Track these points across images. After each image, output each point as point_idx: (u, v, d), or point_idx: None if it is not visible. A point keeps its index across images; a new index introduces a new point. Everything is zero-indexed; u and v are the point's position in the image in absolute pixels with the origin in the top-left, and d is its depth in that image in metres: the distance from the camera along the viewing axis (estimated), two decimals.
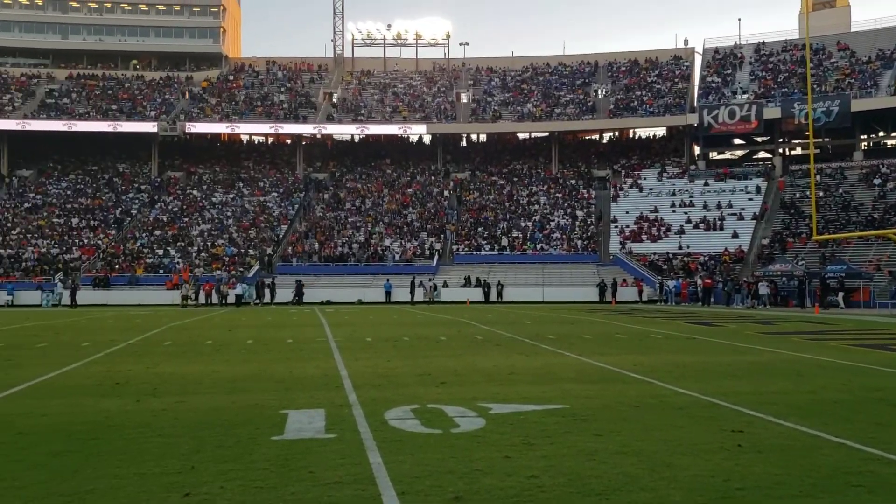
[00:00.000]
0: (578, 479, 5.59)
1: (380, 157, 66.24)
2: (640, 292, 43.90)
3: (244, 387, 10.32)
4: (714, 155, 62.84)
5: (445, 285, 45.82)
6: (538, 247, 51.52)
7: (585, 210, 56.19)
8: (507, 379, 10.91)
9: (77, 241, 51.69)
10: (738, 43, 66.45)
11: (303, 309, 37.57)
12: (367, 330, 21.42)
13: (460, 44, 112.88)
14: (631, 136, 66.79)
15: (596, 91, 66.31)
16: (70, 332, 21.42)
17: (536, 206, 57.08)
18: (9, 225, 53.22)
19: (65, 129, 60.28)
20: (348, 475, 5.68)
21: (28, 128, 59.99)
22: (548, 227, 53.84)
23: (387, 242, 52.27)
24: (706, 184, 56.19)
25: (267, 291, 43.12)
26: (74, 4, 70.00)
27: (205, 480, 5.60)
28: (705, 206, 53.14)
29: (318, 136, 65.13)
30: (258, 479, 5.63)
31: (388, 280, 45.32)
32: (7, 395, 9.77)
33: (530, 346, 16.07)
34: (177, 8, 71.34)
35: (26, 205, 56.53)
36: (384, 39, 74.07)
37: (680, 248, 48.93)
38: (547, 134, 65.16)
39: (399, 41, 74.25)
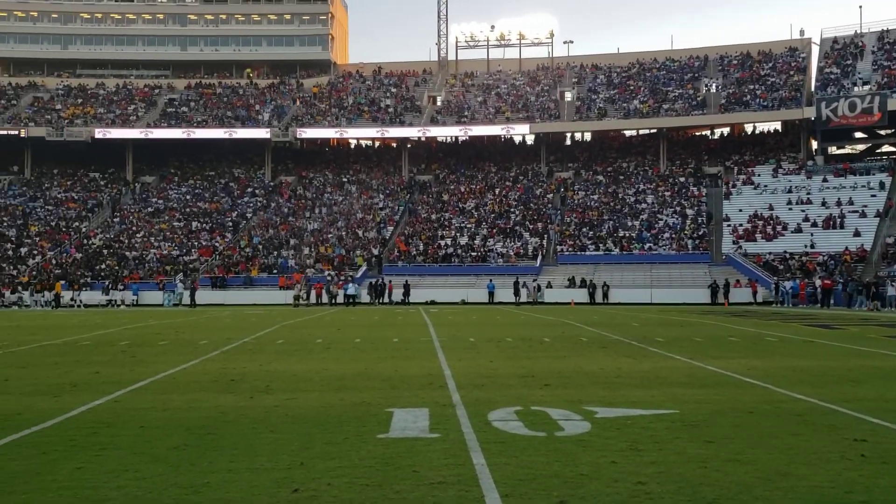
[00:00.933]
0: (689, 486, 5.42)
1: (483, 158, 66.40)
2: (755, 293, 42.27)
3: (352, 385, 10.54)
4: (833, 149, 59.81)
5: (549, 286, 45.46)
6: (646, 247, 50.40)
7: (696, 208, 54.57)
8: (613, 382, 10.70)
9: (196, 243, 54.15)
10: (858, 31, 63.01)
11: (408, 309, 38.08)
12: (470, 330, 21.49)
13: (564, 42, 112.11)
14: (744, 131, 64.43)
15: (706, 85, 64.27)
16: (189, 330, 22.44)
17: (644, 205, 55.87)
18: (133, 228, 56.29)
19: (184, 136, 63.28)
20: (452, 475, 5.70)
21: (151, 136, 63.31)
22: (656, 226, 52.60)
23: (490, 243, 52.34)
24: (825, 180, 53.55)
25: (374, 292, 43.91)
26: (192, 17, 73.40)
27: (313, 476, 5.74)
28: (824, 204, 50.65)
29: (423, 138, 65.92)
30: (364, 476, 5.72)
31: (490, 280, 45.38)
32: (132, 390, 10.32)
33: (638, 349, 15.72)
34: (287, 17, 73.70)
35: (149, 209, 59.65)
36: (487, 40, 74.23)
37: (798, 247, 46.82)
38: (654, 131, 63.67)
39: (502, 42, 74.26)
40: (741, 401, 9.02)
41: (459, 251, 51.49)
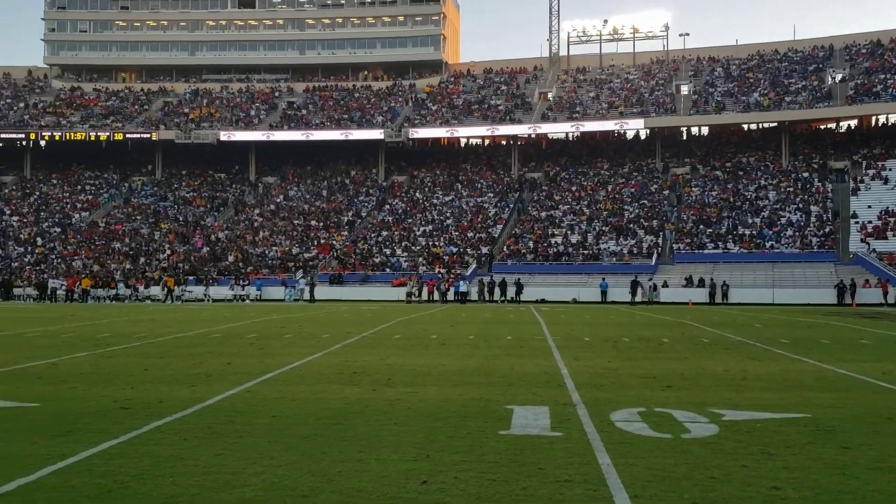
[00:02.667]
0: (827, 493, 5.21)
1: (595, 154, 65.49)
2: (885, 294, 39.89)
3: (469, 380, 10.66)
4: None
5: (665, 285, 44.37)
6: (768, 245, 48.42)
7: (821, 205, 51.99)
8: (739, 384, 10.38)
9: (315, 241, 55.89)
10: None
11: (519, 307, 38.03)
12: (584, 329, 21.27)
13: (680, 35, 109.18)
14: (873, 123, 60.85)
15: (832, 76, 61.10)
16: (311, 324, 23.21)
17: (765, 202, 53.68)
18: (256, 226, 58.63)
19: (303, 138, 65.40)
20: (578, 474, 5.69)
21: (272, 138, 65.75)
22: (778, 223, 50.45)
23: (602, 241, 51.57)
24: None
25: (485, 290, 44.08)
26: (310, 22, 75.73)
27: (440, 469, 5.86)
28: None
29: (533, 135, 65.62)
30: (489, 471, 5.79)
31: (603, 279, 44.70)
32: (263, 380, 10.80)
33: (763, 351, 15.16)
34: (401, 19, 74.93)
35: (271, 208, 61.97)
36: (600, 35, 73.15)
37: None
38: (776, 124, 61.05)
39: (615, 36, 73.02)
40: (877, 406, 8.58)
41: (570, 249, 50.99)
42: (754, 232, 49.88)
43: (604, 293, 43.67)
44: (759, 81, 63.22)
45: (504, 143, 68.03)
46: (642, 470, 5.79)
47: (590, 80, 70.40)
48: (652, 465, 5.91)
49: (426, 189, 63.74)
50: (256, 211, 61.63)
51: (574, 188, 60.74)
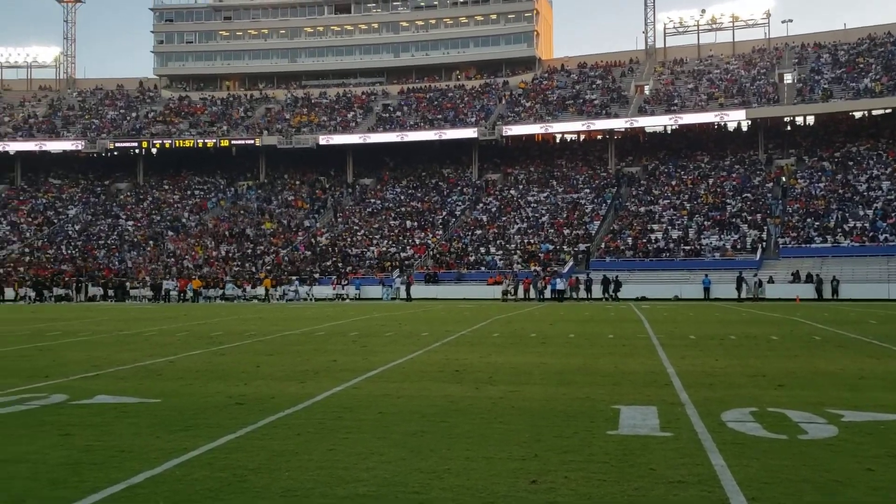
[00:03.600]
0: None
1: (694, 147, 63.74)
2: None
3: (572, 379, 10.58)
4: None
5: (770, 281, 42.77)
6: (881, 238, 45.97)
7: None
8: (856, 384, 9.92)
9: (410, 240, 56.57)
10: None
11: (618, 305, 37.43)
12: (688, 327, 20.75)
13: (782, 21, 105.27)
14: None
15: None
16: (410, 322, 23.52)
17: (878, 193, 51.00)
18: (354, 227, 59.82)
19: (398, 139, 66.27)
20: (691, 475, 5.57)
21: (368, 140, 66.93)
22: (893, 215, 47.82)
23: (704, 236, 50.14)
24: None
25: (583, 287, 43.63)
26: (404, 24, 76.66)
27: (548, 469, 5.84)
28: None
29: (630, 129, 64.43)
30: (599, 471, 5.73)
31: (706, 276, 43.45)
32: (367, 377, 11.02)
33: (880, 349, 14.42)
34: (493, 17, 74.91)
35: (368, 209, 63.09)
36: (697, 25, 71.16)
37: None
38: (889, 111, 57.90)
39: (714, 25, 70.90)
40: None
41: (671, 245, 49.80)
42: (866, 224, 47.46)
43: (706, 290, 42.47)
44: (871, 66, 60.11)
45: (600, 137, 67.05)
46: (758, 471, 5.62)
47: (687, 71, 68.57)
48: (768, 467, 5.72)
49: (520, 186, 63.52)
50: (355, 212, 62.83)
51: (673, 182, 59.30)
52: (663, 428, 7.23)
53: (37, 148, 68.78)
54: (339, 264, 52.80)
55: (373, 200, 64.85)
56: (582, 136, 68.95)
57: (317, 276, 50.55)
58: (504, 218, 58.24)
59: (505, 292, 43.42)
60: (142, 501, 5.17)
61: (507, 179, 65.58)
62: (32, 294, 47.73)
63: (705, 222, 52.06)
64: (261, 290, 47.35)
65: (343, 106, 72.86)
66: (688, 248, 49.09)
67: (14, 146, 68.78)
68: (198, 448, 6.64)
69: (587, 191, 60.59)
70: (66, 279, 50.94)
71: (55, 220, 64.80)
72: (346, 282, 48.70)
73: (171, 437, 7.11)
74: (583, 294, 43.40)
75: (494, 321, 23.74)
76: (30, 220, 64.76)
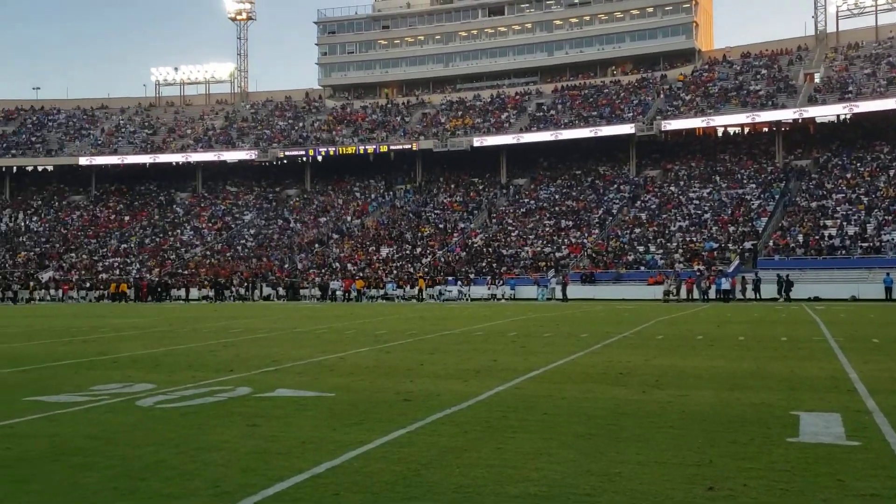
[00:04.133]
0: None
1: (872, 137, 59.17)
2: None
3: (745, 384, 10.14)
4: None
5: None
6: None
7: None
8: None
9: (565, 240, 56.10)
10: None
11: (789, 306, 35.41)
12: (870, 329, 19.35)
13: None
14: None
15: None
16: (567, 323, 23.34)
17: None
18: (509, 227, 60.08)
19: (552, 138, 65.90)
20: (885, 488, 5.21)
21: (521, 140, 67.00)
22: None
23: (885, 232, 46.44)
24: None
25: (749, 287, 41.61)
26: (558, 23, 76.14)
27: (725, 476, 5.64)
28: None
29: (799, 120, 60.74)
30: (781, 480, 5.48)
31: (888, 274, 40.25)
32: (529, 378, 11.06)
33: None
34: (650, 10, 72.92)
35: (522, 209, 63.16)
36: (875, 5, 66.03)
37: None
38: None
39: (894, 5, 65.48)
40: None
41: (847, 242, 46.50)
42: None
43: (888, 290, 39.36)
44: None
45: (766, 130, 63.67)
46: None
47: (864, 55, 63.77)
48: None
49: (681, 182, 61.43)
50: (509, 213, 63.10)
51: (849, 175, 55.34)
52: (850, 436, 6.80)
53: (215, 158, 73.99)
54: (494, 265, 53.19)
55: (527, 200, 64.83)
56: (746, 129, 65.73)
57: (472, 276, 51.18)
58: (664, 215, 56.55)
59: (666, 293, 42.12)
60: (324, 491, 5.46)
61: (666, 175, 63.63)
62: (212, 294, 51.42)
63: (886, 217, 48.23)
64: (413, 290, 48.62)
65: (497, 107, 73.34)
66: (866, 244, 45.68)
67: (195, 157, 74.32)
68: (372, 441, 6.92)
69: (753, 186, 57.71)
70: (243, 280, 54.40)
71: (232, 225, 69.38)
72: (501, 282, 48.99)
73: (347, 430, 7.46)
74: (750, 294, 41.38)
75: (657, 322, 23.11)
76: (210, 225, 69.69)
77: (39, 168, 79.03)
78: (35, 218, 73.13)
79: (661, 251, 50.99)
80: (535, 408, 8.53)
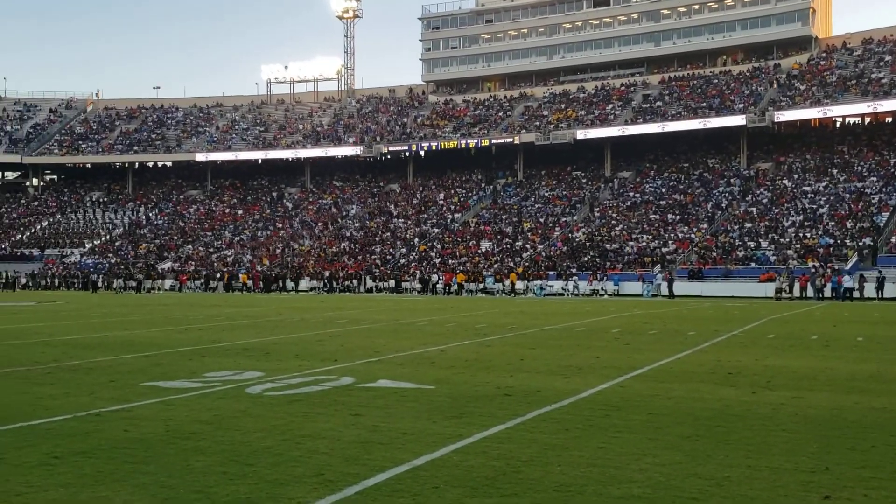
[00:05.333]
0: None
1: None
2: None
3: (865, 387, 9.60)
4: None
5: None
6: None
7: None
8: None
9: (672, 235, 54.65)
10: None
11: None
12: None
13: None
14: None
15: None
16: (674, 321, 22.70)
17: None
18: (613, 222, 59.02)
19: (658, 130, 64.27)
20: None
21: (626, 133, 65.63)
22: None
23: None
24: None
25: (872, 285, 39.43)
26: (665, 12, 74.12)
27: (843, 485, 5.35)
28: None
29: None
30: None
31: None
32: (632, 376, 10.81)
33: None
34: None
35: (627, 203, 61.91)
36: None
37: None
38: None
39: None
40: None
41: None
42: None
43: None
44: None
45: (889, 120, 60.12)
46: None
47: None
48: None
49: (795, 176, 58.78)
50: (612, 206, 61.99)
51: None
52: None
53: (323, 154, 75.93)
54: (597, 259, 52.37)
55: (632, 194, 63.50)
56: (867, 120, 62.25)
57: (573, 271, 50.56)
58: (777, 210, 54.27)
59: (779, 290, 40.40)
60: (424, 483, 5.48)
61: (779, 168, 61.02)
62: (320, 285, 52.87)
63: None
64: (519, 285, 48.39)
65: (601, 99, 72.12)
66: None
67: (304, 153, 76.48)
68: (472, 436, 6.92)
69: (873, 179, 54.60)
70: (349, 272, 55.63)
71: (339, 219, 71.02)
72: (604, 277, 48.20)
73: (446, 423, 7.49)
74: (871, 293, 39.18)
75: (768, 321, 22.19)
76: (317, 218, 71.58)
77: (159, 164, 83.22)
78: (155, 211, 76.99)
79: (773, 247, 49.00)
80: (640, 407, 8.33)
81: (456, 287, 49.09)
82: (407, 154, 73.78)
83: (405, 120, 78.36)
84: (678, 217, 57.07)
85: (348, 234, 67.34)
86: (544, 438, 6.85)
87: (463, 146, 70.66)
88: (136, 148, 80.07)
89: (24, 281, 58.95)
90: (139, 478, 5.66)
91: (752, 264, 47.37)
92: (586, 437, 6.92)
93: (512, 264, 54.16)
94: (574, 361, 12.39)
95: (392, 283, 52.79)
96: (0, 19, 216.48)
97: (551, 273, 50.61)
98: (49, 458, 6.20)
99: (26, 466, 5.95)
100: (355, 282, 53.55)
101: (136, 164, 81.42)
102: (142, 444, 6.69)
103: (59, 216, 76.53)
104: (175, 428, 7.30)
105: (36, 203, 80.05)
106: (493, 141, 69.94)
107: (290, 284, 54.20)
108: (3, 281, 56.56)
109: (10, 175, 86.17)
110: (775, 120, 60.17)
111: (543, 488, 5.37)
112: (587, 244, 55.67)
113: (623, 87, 72.85)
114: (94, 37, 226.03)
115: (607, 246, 54.58)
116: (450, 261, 56.89)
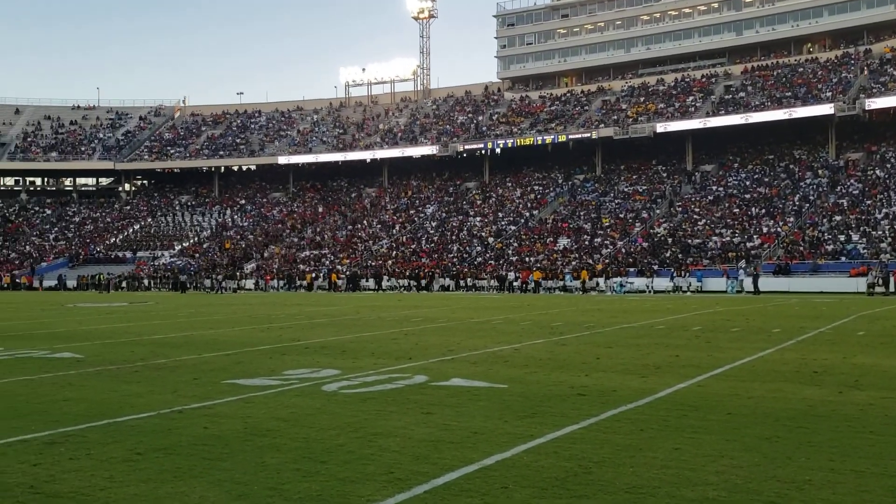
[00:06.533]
0: None
1: None
2: None
3: None
4: None
5: None
6: None
7: None
8: None
9: (757, 229, 53.01)
10: None
11: None
12: None
13: None
14: None
15: None
16: (758, 317, 22.00)
17: None
18: (695, 216, 57.62)
19: (741, 122, 62.40)
20: None
21: (708, 125, 63.94)
22: None
23: None
24: None
25: None
26: (747, 0, 71.92)
27: None
28: None
29: None
30: None
31: None
32: (713, 375, 10.53)
33: None
34: None
35: (709, 197, 60.34)
36: None
37: None
38: None
39: None
40: None
41: None
42: None
43: None
44: None
45: None
46: None
47: None
48: None
49: (888, 166, 56.15)
50: (694, 201, 60.53)
51: None
52: None
53: (400, 154, 76.63)
54: (679, 255, 51.22)
55: (714, 188, 61.86)
56: None
57: (655, 267, 49.58)
58: (868, 202, 51.98)
59: (871, 285, 38.72)
60: (493, 483, 5.47)
61: (871, 158, 58.42)
62: (401, 284, 53.57)
63: None
64: (593, 282, 47.82)
65: (681, 91, 70.49)
66: None
67: (381, 153, 77.39)
68: (543, 436, 6.86)
69: None
70: (427, 270, 56.03)
71: (416, 218, 71.57)
72: (687, 273, 47.11)
73: (518, 423, 7.45)
74: None
75: (859, 317, 21.29)
76: (395, 217, 72.30)
77: (244, 167, 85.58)
78: (240, 213, 79.21)
79: (864, 240, 46.97)
80: (718, 407, 8.11)
81: (533, 285, 48.83)
82: (483, 152, 73.76)
83: (480, 118, 78.35)
84: (763, 211, 55.35)
85: (426, 233, 67.79)
86: (618, 439, 6.74)
87: (539, 142, 70.17)
88: (221, 152, 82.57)
89: (122, 284, 60.96)
90: (215, 474, 5.82)
91: (843, 258, 45.57)
92: (661, 437, 6.78)
93: (591, 261, 53.52)
94: (652, 360, 12.15)
95: (469, 281, 52.90)
96: (92, 31, 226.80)
97: (631, 270, 49.77)
98: (132, 454, 6.44)
99: (111, 462, 6.20)
100: (431, 281, 53.91)
101: (222, 167, 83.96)
102: (220, 440, 6.88)
103: (149, 219, 79.56)
104: (253, 425, 7.49)
105: (128, 207, 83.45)
106: (571, 136, 69.19)
107: (367, 284, 54.97)
108: (98, 283, 59.14)
109: (104, 181, 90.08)
110: (866, 108, 57.63)
111: (614, 490, 5.28)
112: (669, 240, 54.54)
113: (704, 79, 71.08)
114: (182, 45, 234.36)
115: (690, 241, 53.34)
116: (526, 258, 56.60)
